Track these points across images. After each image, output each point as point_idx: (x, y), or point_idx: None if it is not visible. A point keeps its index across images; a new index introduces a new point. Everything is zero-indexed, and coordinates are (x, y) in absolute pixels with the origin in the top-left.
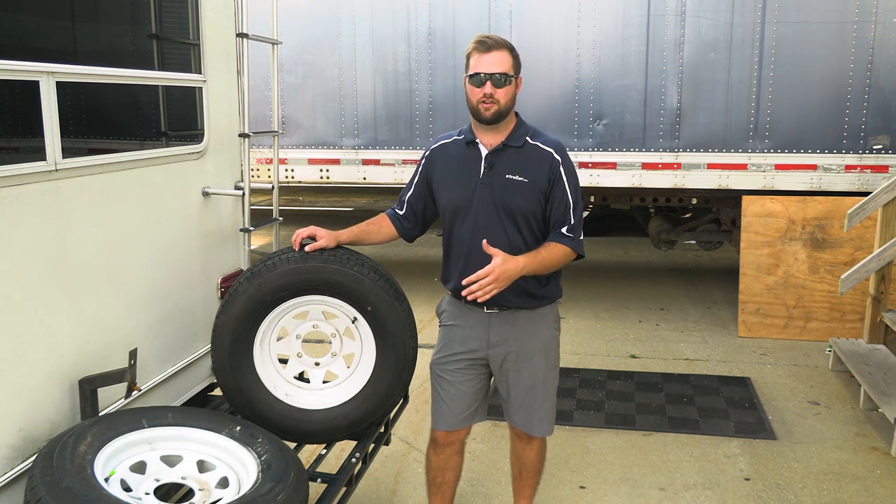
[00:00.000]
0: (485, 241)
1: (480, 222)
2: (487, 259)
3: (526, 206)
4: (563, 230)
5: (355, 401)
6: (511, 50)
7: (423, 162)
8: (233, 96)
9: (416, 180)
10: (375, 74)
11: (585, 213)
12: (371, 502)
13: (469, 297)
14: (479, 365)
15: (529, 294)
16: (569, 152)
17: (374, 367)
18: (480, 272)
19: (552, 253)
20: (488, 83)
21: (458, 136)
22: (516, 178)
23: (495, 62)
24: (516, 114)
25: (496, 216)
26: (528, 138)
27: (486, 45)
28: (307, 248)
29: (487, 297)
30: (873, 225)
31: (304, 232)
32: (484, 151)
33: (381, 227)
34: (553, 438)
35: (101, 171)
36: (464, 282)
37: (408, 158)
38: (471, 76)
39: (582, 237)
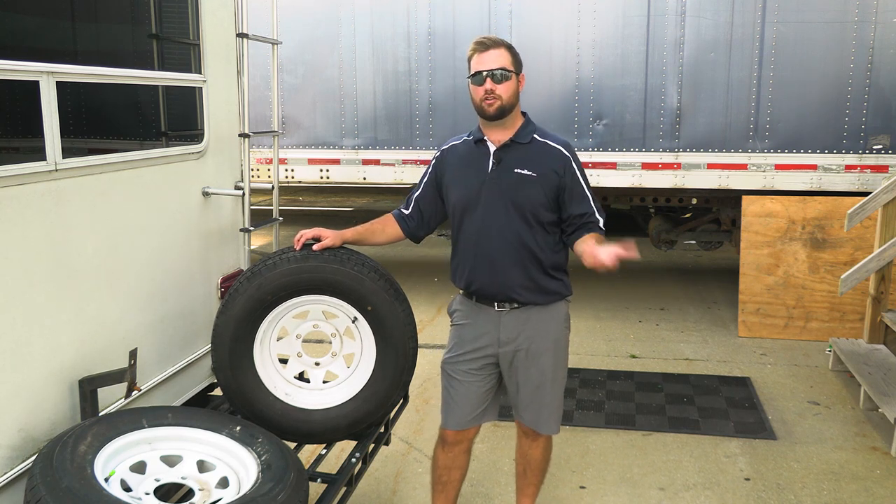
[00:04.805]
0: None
1: (488, 217)
2: (495, 255)
3: (535, 200)
4: (599, 222)
5: (355, 401)
6: (509, 48)
7: (433, 163)
8: (233, 96)
9: (425, 181)
10: (375, 74)
11: None
12: (371, 502)
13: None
14: (490, 364)
15: (541, 289)
16: None
17: (374, 367)
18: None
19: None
20: (488, 80)
21: (467, 136)
22: (525, 172)
23: (493, 59)
24: (524, 113)
25: (504, 211)
26: (535, 136)
27: (485, 45)
28: (315, 247)
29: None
30: (873, 225)
31: (308, 233)
32: (492, 148)
33: (385, 226)
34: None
35: (101, 171)
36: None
37: (408, 158)
38: (472, 76)
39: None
